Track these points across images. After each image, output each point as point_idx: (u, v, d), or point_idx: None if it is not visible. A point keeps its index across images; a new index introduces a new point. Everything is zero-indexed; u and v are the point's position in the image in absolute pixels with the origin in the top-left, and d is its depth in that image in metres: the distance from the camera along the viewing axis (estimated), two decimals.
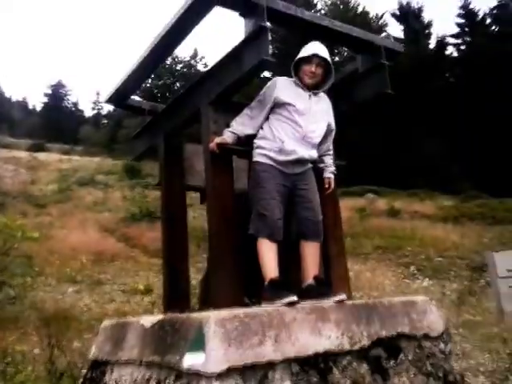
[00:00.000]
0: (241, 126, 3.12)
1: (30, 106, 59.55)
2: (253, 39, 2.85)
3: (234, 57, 3.05)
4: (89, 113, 52.22)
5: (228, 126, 3.16)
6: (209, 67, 3.34)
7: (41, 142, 33.12)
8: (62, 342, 4.50)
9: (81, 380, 3.06)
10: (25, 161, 24.57)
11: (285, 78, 3.14)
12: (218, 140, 3.09)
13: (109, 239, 10.49)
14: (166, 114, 3.96)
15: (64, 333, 4.99)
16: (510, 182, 19.21)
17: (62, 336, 4.76)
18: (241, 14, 2.97)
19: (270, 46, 2.82)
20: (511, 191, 17.34)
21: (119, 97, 4.17)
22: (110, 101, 4.22)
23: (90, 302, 6.66)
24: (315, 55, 3.02)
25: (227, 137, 3.10)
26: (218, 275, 2.89)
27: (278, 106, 3.04)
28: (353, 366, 2.36)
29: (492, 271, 6.81)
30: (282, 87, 3.06)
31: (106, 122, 48.03)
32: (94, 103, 52.93)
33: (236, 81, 3.08)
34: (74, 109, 50.57)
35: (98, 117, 50.53)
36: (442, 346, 2.69)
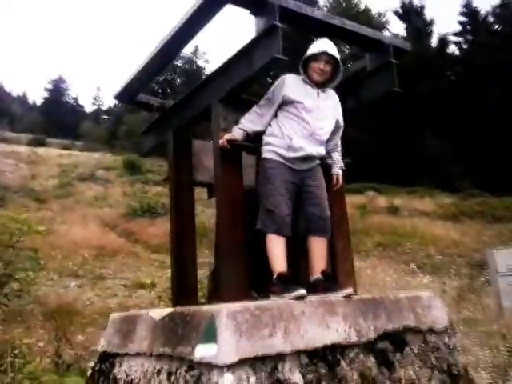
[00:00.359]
0: (250, 123, 3.16)
1: (30, 101, 59.46)
2: (264, 37, 2.88)
3: (244, 54, 3.08)
4: (89, 108, 52.20)
5: (237, 123, 3.20)
6: (220, 64, 3.36)
7: (41, 137, 33.07)
8: (66, 335, 4.56)
9: (89, 372, 3.10)
10: (25, 155, 24.55)
11: (293, 75, 3.17)
12: (227, 136, 3.14)
13: (110, 234, 10.52)
14: (176, 111, 3.99)
15: (67, 327, 5.04)
16: (510, 181, 19.27)
17: (66, 330, 4.82)
18: (252, 13, 2.99)
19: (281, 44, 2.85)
20: (511, 190, 17.42)
21: (128, 93, 4.20)
22: (118, 97, 4.25)
23: (93, 297, 6.70)
24: (324, 52, 3.05)
25: (236, 133, 3.15)
26: (226, 270, 2.94)
27: (286, 103, 3.07)
28: (360, 358, 2.41)
29: (492, 268, 6.88)
30: (291, 85, 3.09)
31: (106, 117, 48.01)
32: (95, 98, 52.96)
33: (247, 78, 3.12)
34: (74, 104, 50.48)
35: (98, 112, 50.47)
36: (446, 339, 2.74)
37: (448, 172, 23.40)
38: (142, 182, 19.46)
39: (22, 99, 58.67)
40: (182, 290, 3.28)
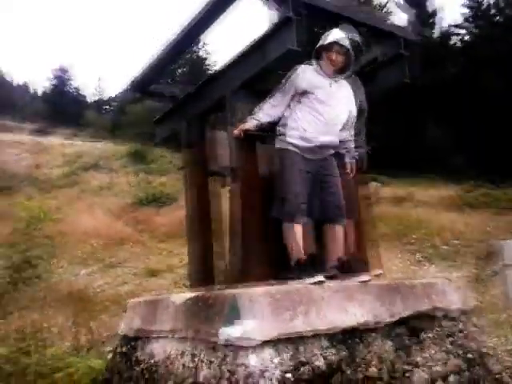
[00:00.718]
0: (264, 113, 3.21)
1: (32, 91, 59.26)
2: (279, 29, 2.92)
3: (259, 46, 3.13)
4: (91, 98, 51.87)
5: (252, 113, 3.25)
6: (234, 55, 3.41)
7: (44, 127, 33.00)
8: (83, 320, 4.66)
9: (111, 355, 3.19)
10: (28, 145, 24.55)
11: (306, 66, 3.20)
12: (242, 127, 3.20)
13: (117, 223, 10.59)
14: (190, 101, 4.03)
15: (81, 313, 5.12)
16: None
17: (80, 316, 4.91)
18: (266, 4, 3.03)
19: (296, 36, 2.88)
20: None
21: (142, 83, 4.23)
22: (132, 87, 4.27)
23: (103, 285, 6.78)
24: (335, 43, 3.08)
25: (251, 124, 3.21)
26: (244, 256, 3.01)
27: (299, 94, 3.12)
28: (377, 342, 2.48)
29: (499, 259, 6.95)
30: (304, 75, 3.13)
31: (108, 107, 47.87)
32: (96, 88, 52.73)
33: (261, 70, 3.17)
34: (76, 93, 50.17)
35: (100, 102, 50.28)
36: (460, 325, 2.81)
37: (451, 163, 23.38)
38: (146, 172, 19.48)
39: (24, 89, 58.49)
40: (200, 276, 3.35)
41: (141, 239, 9.57)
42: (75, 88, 50.93)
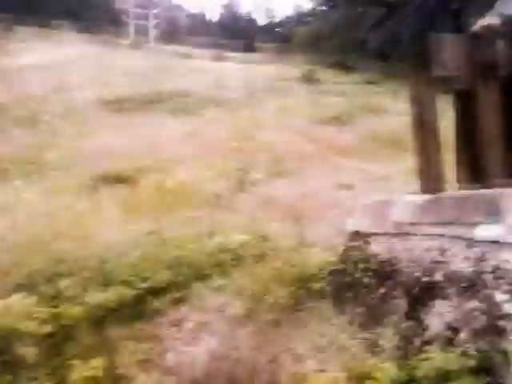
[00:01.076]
0: (508, 5, 2.87)
1: (208, 18, 62.37)
2: None
3: None
4: (262, 22, 52.83)
5: (493, 8, 2.94)
6: None
7: (220, 52, 34.93)
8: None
9: (342, 248, 3.45)
10: (209, 69, 26.38)
11: None
12: (482, 22, 2.92)
13: (300, 140, 11.03)
14: (414, 4, 3.81)
15: (287, 218, 5.54)
16: None
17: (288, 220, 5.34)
18: None
19: None
20: None
21: None
22: None
23: (299, 195, 7.13)
24: None
25: (493, 19, 2.90)
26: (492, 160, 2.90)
27: None
28: None
29: None
30: None
31: (279, 29, 48.25)
32: (267, 12, 53.20)
33: None
34: (248, 18, 51.51)
35: (270, 26, 50.89)
36: None
37: None
38: (319, 93, 19.52)
39: (200, 17, 61.82)
40: (429, 178, 3.29)
41: (326, 155, 9.82)
42: (247, 13, 52.18)
